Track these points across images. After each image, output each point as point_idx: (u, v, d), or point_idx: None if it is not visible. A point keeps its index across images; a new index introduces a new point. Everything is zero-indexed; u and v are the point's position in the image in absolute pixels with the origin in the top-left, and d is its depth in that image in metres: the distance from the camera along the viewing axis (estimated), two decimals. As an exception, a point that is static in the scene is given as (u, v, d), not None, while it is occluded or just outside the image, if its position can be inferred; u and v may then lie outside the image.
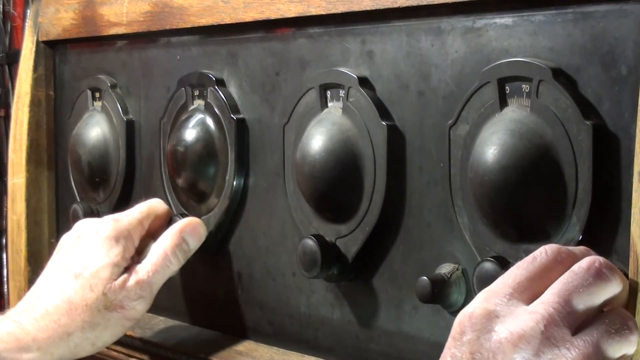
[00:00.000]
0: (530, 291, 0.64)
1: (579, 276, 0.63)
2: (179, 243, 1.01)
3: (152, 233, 1.05)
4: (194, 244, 1.02)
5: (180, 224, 1.02)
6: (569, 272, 0.64)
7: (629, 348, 0.63)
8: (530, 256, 0.66)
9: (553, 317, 0.61)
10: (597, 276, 0.63)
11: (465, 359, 0.60)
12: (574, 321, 0.62)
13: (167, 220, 1.07)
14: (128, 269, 1.00)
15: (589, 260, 0.64)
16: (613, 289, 0.64)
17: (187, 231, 1.01)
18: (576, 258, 0.66)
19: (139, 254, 1.03)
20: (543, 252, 0.66)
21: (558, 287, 0.63)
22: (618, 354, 0.63)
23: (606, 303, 0.65)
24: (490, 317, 0.61)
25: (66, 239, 1.05)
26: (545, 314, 0.61)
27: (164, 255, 1.00)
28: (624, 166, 0.70)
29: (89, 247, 1.01)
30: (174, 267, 1.01)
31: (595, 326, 0.62)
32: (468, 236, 0.80)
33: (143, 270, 1.00)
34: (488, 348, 0.60)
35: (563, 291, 0.62)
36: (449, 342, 0.62)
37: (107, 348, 1.08)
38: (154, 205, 1.07)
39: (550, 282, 0.64)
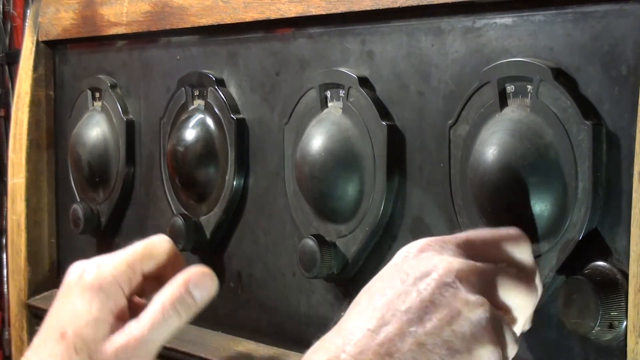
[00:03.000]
0: (477, 254, 0.69)
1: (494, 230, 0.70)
2: (182, 295, 0.83)
3: (159, 279, 0.87)
4: (201, 297, 0.84)
5: (186, 273, 0.84)
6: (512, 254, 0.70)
7: (522, 296, 0.68)
8: (495, 228, 0.73)
9: (486, 272, 0.67)
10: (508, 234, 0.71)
11: (398, 278, 0.67)
12: (497, 285, 0.67)
13: (178, 262, 0.89)
14: (121, 324, 0.83)
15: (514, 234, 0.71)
16: (513, 250, 0.70)
17: (193, 282, 0.84)
18: (528, 245, 0.71)
19: (138, 305, 0.86)
20: (504, 229, 0.72)
21: (496, 265, 0.69)
22: (508, 296, 0.67)
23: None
24: (434, 250, 0.69)
25: (61, 287, 0.88)
26: (482, 267, 0.67)
27: (161, 310, 0.82)
28: (624, 166, 0.70)
29: (72, 300, 0.85)
30: (175, 322, 0.83)
31: (517, 292, 0.68)
32: (468, 236, 0.80)
33: (137, 326, 0.81)
34: (422, 270, 0.67)
35: (499, 272, 0.68)
36: (388, 267, 0.70)
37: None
38: (153, 245, 0.87)
39: (496, 256, 0.69)
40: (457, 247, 0.69)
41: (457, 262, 0.66)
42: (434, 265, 0.66)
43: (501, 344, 0.65)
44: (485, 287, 0.66)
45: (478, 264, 0.67)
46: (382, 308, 0.65)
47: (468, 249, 0.69)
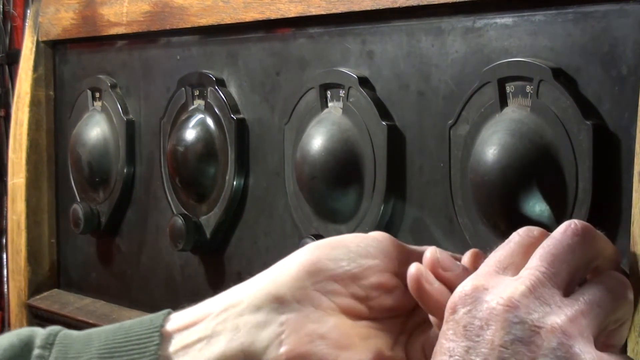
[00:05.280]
0: (513, 266, 0.64)
1: (557, 239, 0.63)
2: None
3: None
4: None
5: None
6: (549, 238, 0.64)
7: (624, 308, 0.63)
8: (505, 241, 0.66)
9: (540, 279, 0.61)
10: (575, 235, 0.63)
11: (459, 334, 0.60)
12: (562, 282, 0.62)
13: None
14: None
15: (566, 224, 0.64)
16: (594, 247, 0.64)
17: None
18: (548, 234, 0.66)
19: None
20: (515, 234, 0.66)
21: (540, 253, 0.63)
22: (614, 314, 0.62)
23: (594, 266, 0.64)
24: (479, 290, 0.61)
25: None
26: (532, 277, 0.61)
27: None
28: (624, 166, 0.70)
29: None
30: None
31: (588, 286, 0.63)
32: (468, 236, 0.80)
33: None
34: (480, 317, 0.60)
35: (545, 255, 0.62)
36: (443, 325, 0.62)
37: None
38: None
39: (530, 256, 0.64)
40: (496, 275, 0.63)
41: (508, 293, 0.60)
42: (490, 308, 0.60)
43: (589, 351, 0.59)
44: (545, 293, 0.61)
45: (526, 279, 0.61)
46: None
47: (503, 269, 0.63)
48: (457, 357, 0.59)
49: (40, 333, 0.65)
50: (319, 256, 0.67)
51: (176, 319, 0.66)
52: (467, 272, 0.65)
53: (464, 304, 0.61)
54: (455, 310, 0.61)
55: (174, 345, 0.65)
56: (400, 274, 0.68)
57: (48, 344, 0.65)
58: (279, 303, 0.65)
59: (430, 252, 0.66)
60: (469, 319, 0.60)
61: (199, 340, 0.64)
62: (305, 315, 0.65)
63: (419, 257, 0.69)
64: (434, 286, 0.65)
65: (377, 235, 0.69)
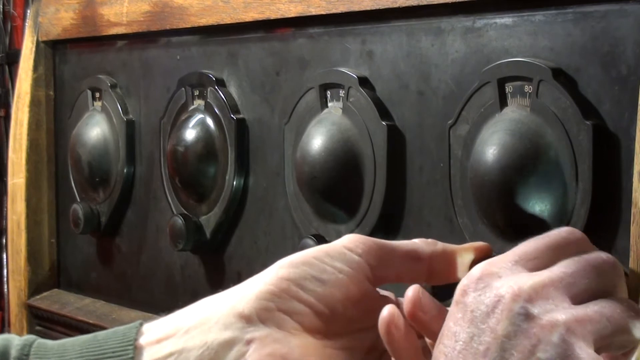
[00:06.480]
0: (537, 261, 0.63)
1: (589, 258, 0.63)
2: None
3: None
4: None
5: None
6: (583, 255, 0.63)
7: (631, 334, 0.62)
8: (543, 235, 0.65)
9: (554, 281, 0.61)
10: (607, 263, 0.63)
11: (466, 318, 0.61)
12: (576, 294, 0.62)
13: None
14: None
15: (606, 254, 0.64)
16: (617, 282, 0.64)
17: None
18: (590, 244, 0.65)
19: None
20: (556, 230, 0.66)
21: (567, 262, 0.63)
22: (620, 335, 0.62)
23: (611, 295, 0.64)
24: (492, 277, 0.62)
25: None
26: (547, 278, 0.61)
27: None
28: (624, 166, 0.70)
29: None
30: None
31: (600, 301, 0.62)
32: (468, 236, 0.80)
33: None
34: (487, 303, 0.61)
35: (570, 264, 0.62)
36: (452, 307, 0.62)
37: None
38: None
39: (559, 259, 0.63)
40: (514, 264, 0.63)
41: (519, 284, 0.61)
42: (498, 295, 0.60)
43: (589, 353, 0.59)
44: (555, 295, 0.61)
45: (541, 275, 0.61)
46: (460, 355, 0.60)
47: (525, 261, 0.63)
48: (461, 343, 0.60)
49: (15, 343, 0.66)
50: (283, 276, 0.66)
51: (148, 333, 0.67)
52: (443, 314, 0.64)
53: (474, 287, 0.61)
54: (466, 292, 0.62)
55: (145, 358, 0.65)
56: (375, 277, 0.68)
57: (24, 355, 0.65)
58: (245, 322, 0.65)
59: (412, 290, 0.65)
60: (477, 304, 0.61)
61: (170, 355, 0.65)
62: (268, 334, 0.65)
63: (400, 256, 0.68)
64: (402, 333, 0.64)
65: (346, 244, 0.68)
